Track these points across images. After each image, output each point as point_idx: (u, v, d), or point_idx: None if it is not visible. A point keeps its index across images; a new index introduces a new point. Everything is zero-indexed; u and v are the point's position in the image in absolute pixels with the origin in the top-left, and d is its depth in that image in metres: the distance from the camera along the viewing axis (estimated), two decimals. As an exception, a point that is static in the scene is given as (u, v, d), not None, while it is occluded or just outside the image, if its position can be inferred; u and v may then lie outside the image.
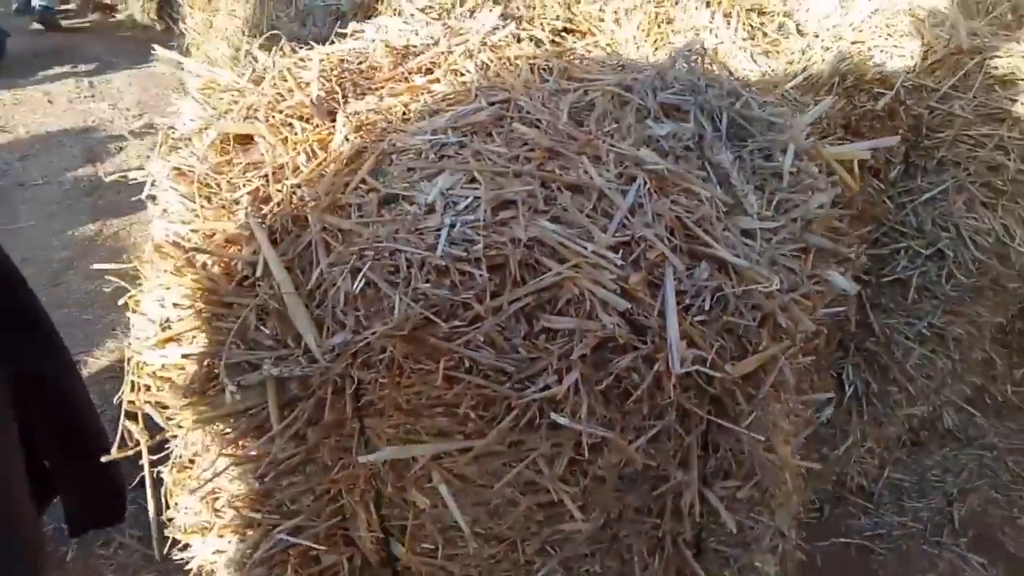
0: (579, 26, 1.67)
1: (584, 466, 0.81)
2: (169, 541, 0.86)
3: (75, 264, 2.93)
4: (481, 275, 0.70)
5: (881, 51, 1.66)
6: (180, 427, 0.74)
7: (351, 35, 1.03)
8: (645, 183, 0.76)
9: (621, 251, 0.73)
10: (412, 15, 1.03)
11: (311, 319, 0.71)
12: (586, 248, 0.71)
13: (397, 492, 0.84)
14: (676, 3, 1.74)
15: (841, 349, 1.84)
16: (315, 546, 0.79)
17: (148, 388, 0.74)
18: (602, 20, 1.68)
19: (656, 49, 1.63)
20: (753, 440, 0.80)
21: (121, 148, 3.99)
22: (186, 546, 0.91)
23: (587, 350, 0.72)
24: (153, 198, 0.84)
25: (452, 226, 0.72)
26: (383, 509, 0.85)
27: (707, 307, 0.74)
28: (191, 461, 0.85)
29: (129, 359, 0.74)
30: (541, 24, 1.51)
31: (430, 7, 1.28)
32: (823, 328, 0.84)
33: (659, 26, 1.69)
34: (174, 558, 0.88)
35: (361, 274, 0.70)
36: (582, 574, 0.92)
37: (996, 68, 1.51)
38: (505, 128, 0.82)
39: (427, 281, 0.70)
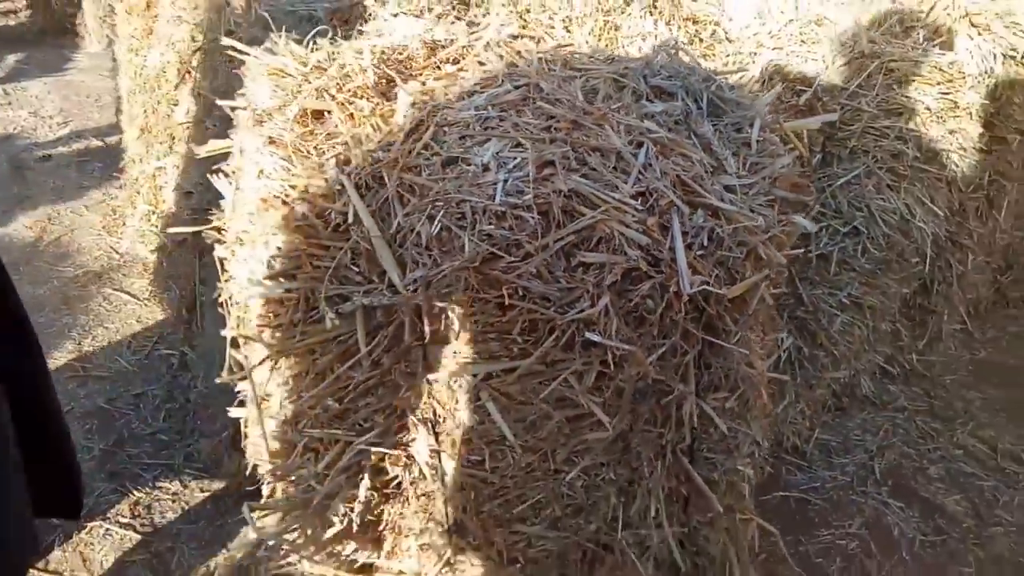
0: (532, 32, 1.86)
1: (607, 381, 1.00)
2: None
3: (20, 269, 2.93)
4: (532, 218, 0.88)
5: (797, 56, 1.94)
6: (279, 353, 0.88)
7: (375, 33, 1.19)
8: (651, 147, 0.96)
9: (639, 199, 0.92)
10: (429, 10, 1.20)
11: (394, 258, 0.87)
12: (612, 197, 0.90)
13: (451, 411, 1.00)
14: (622, 12, 1.96)
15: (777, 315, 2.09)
16: (388, 453, 0.94)
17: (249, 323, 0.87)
18: (552, 27, 1.88)
19: (610, 51, 1.85)
20: (739, 355, 1.01)
21: (49, 156, 3.94)
22: (253, 477, 1.03)
23: (615, 278, 0.90)
24: (217, 174, 0.98)
25: (506, 181, 0.89)
26: (438, 427, 1.01)
27: (705, 243, 0.94)
28: (268, 394, 0.99)
29: (231, 297, 0.88)
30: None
31: (403, 12, 1.44)
32: (786, 268, 1.06)
33: (608, 32, 1.91)
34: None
35: (436, 220, 0.87)
36: (600, 480, 1.10)
37: (893, 70, 1.81)
38: (531, 105, 1.01)
39: (489, 224, 0.88)
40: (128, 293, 2.91)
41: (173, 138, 2.76)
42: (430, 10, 1.57)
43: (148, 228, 2.97)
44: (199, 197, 2.28)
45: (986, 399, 2.54)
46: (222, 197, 0.99)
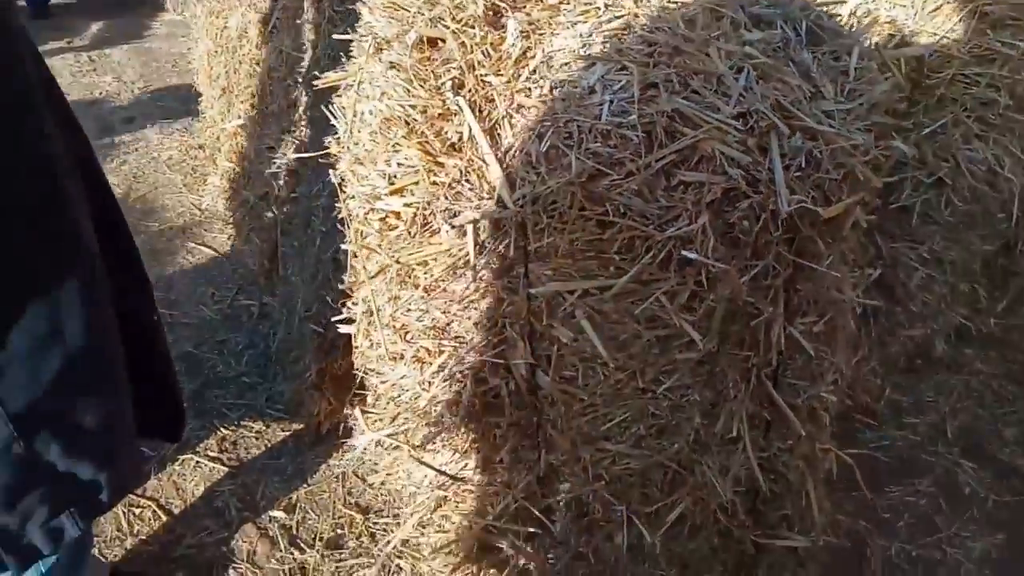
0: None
1: (699, 301, 1.04)
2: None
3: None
4: (636, 137, 0.92)
5: (887, 0, 1.89)
6: (398, 263, 0.94)
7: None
8: (751, 72, 0.99)
9: (739, 120, 0.95)
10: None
11: (504, 175, 0.92)
12: (714, 118, 0.94)
13: (547, 327, 1.05)
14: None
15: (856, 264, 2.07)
16: (492, 361, 1.00)
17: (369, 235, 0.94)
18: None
19: None
20: (830, 278, 1.03)
21: (132, 118, 4.12)
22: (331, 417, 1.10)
23: (715, 196, 0.94)
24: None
25: (611, 102, 0.93)
26: (535, 342, 1.07)
27: (803, 165, 0.96)
28: (379, 306, 1.06)
29: (351, 213, 0.95)
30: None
31: None
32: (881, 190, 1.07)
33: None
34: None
35: (545, 138, 0.91)
36: (685, 401, 1.14)
37: (988, 14, 1.76)
38: (633, 33, 1.04)
39: (595, 142, 0.92)
40: (210, 247, 3.06)
41: (255, 96, 2.86)
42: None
43: (229, 185, 3.10)
44: (281, 152, 2.38)
45: (1066, 364, 2.48)
46: (303, 151, 1.05)
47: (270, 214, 2.49)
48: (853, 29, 1.28)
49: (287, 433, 2.18)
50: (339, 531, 1.90)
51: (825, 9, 1.10)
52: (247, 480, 2.06)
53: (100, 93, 4.43)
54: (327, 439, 2.10)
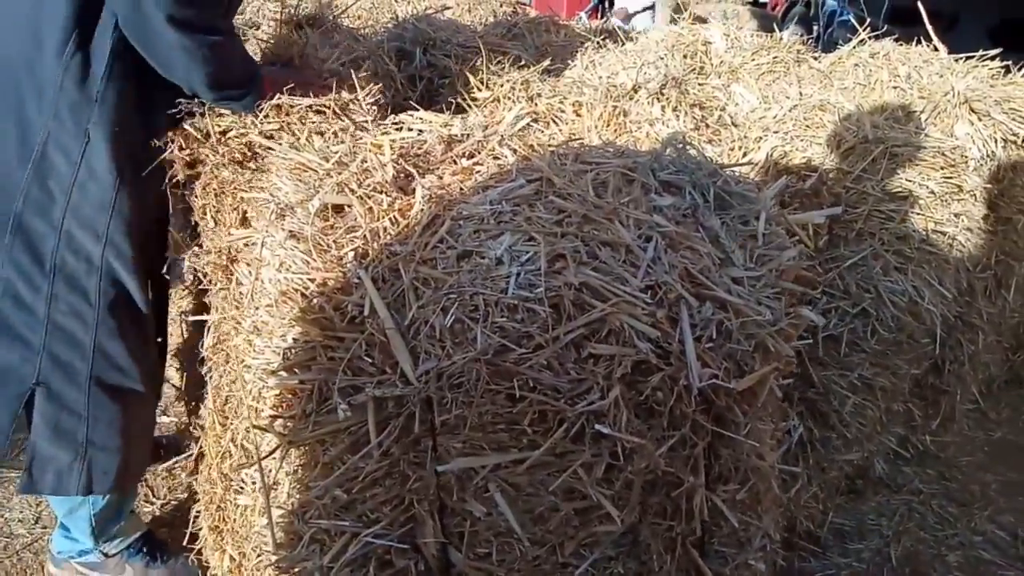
0: (542, 117, 1.91)
1: (616, 473, 0.99)
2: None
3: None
4: (543, 311, 0.90)
5: (802, 140, 1.99)
6: (291, 443, 0.88)
7: (394, 125, 1.24)
8: (660, 241, 0.98)
9: (648, 293, 0.94)
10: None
11: (408, 350, 0.88)
12: (622, 290, 0.92)
13: (459, 502, 0.99)
14: (631, 99, 2.02)
15: (786, 400, 2.08)
16: (396, 546, 0.93)
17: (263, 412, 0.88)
18: (563, 111, 1.93)
19: (618, 137, 1.89)
20: (749, 447, 1.00)
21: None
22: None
23: (626, 370, 0.91)
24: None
25: (518, 274, 0.91)
26: (446, 518, 1.00)
27: (713, 336, 0.95)
28: (276, 483, 0.99)
29: (245, 387, 0.89)
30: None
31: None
32: (794, 359, 1.07)
33: (617, 118, 1.96)
34: None
35: (450, 312, 0.88)
36: (608, 574, 1.08)
37: (897, 155, 1.85)
38: (544, 200, 1.04)
39: (502, 316, 0.89)
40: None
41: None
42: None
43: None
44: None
45: (1004, 481, 2.49)
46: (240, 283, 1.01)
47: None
48: (765, 176, 1.31)
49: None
50: None
51: (733, 171, 1.12)
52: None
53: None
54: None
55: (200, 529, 1.57)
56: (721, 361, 0.94)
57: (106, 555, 1.69)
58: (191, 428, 2.44)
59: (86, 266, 1.39)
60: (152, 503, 2.07)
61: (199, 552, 1.65)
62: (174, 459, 2.17)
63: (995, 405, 2.86)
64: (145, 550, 1.75)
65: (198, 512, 1.61)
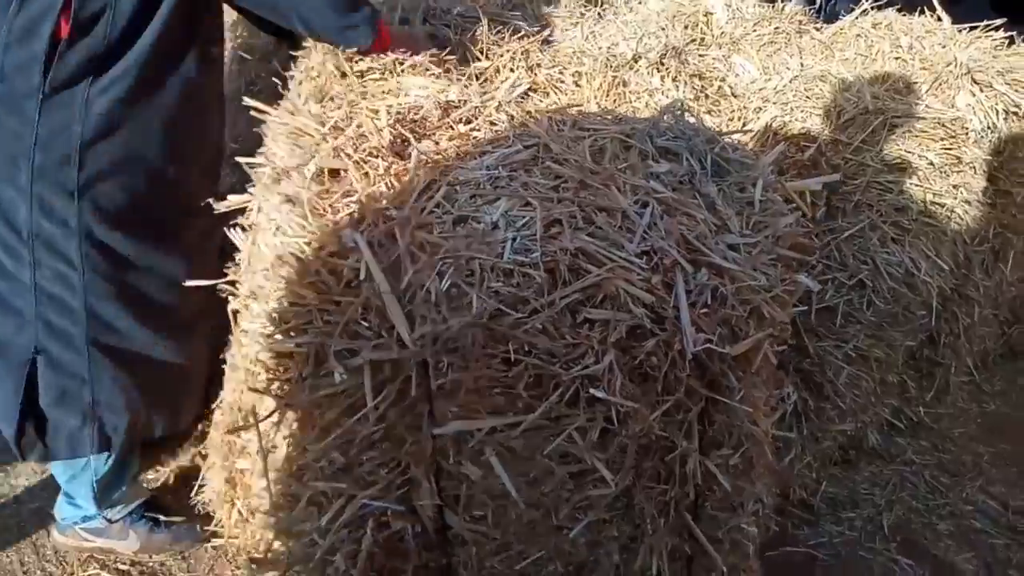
0: (541, 88, 1.89)
1: (611, 437, 1.00)
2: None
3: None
4: (539, 276, 0.90)
5: (802, 111, 1.97)
6: (287, 406, 0.89)
7: (387, 93, 1.23)
8: (656, 207, 0.98)
9: (644, 258, 0.94)
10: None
11: (404, 313, 0.88)
12: (618, 255, 0.92)
13: (455, 465, 1.00)
14: (630, 69, 2.00)
15: (781, 369, 2.09)
16: (393, 507, 0.94)
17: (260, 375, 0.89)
18: (562, 82, 1.91)
19: (617, 107, 1.88)
20: (743, 412, 1.01)
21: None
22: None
23: (620, 335, 0.92)
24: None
25: (514, 239, 0.91)
26: (442, 481, 1.01)
27: (708, 302, 0.95)
28: (274, 446, 1.00)
29: (242, 351, 0.89)
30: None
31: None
32: (790, 326, 1.07)
33: (616, 88, 1.95)
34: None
35: (446, 277, 0.88)
36: (602, 537, 1.10)
37: (897, 126, 1.84)
38: (540, 165, 1.04)
39: (497, 281, 0.89)
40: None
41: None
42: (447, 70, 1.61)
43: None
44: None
45: (996, 453, 2.51)
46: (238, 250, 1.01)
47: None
48: (763, 147, 1.31)
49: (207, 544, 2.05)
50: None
51: (731, 139, 1.11)
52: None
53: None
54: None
55: (207, 483, 1.59)
56: (716, 326, 0.95)
57: (109, 521, 1.71)
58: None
59: (63, 230, 1.33)
60: (157, 470, 2.08)
61: (206, 510, 1.66)
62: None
63: (989, 378, 2.87)
64: (148, 515, 1.76)
65: (210, 465, 1.62)
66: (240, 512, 1.57)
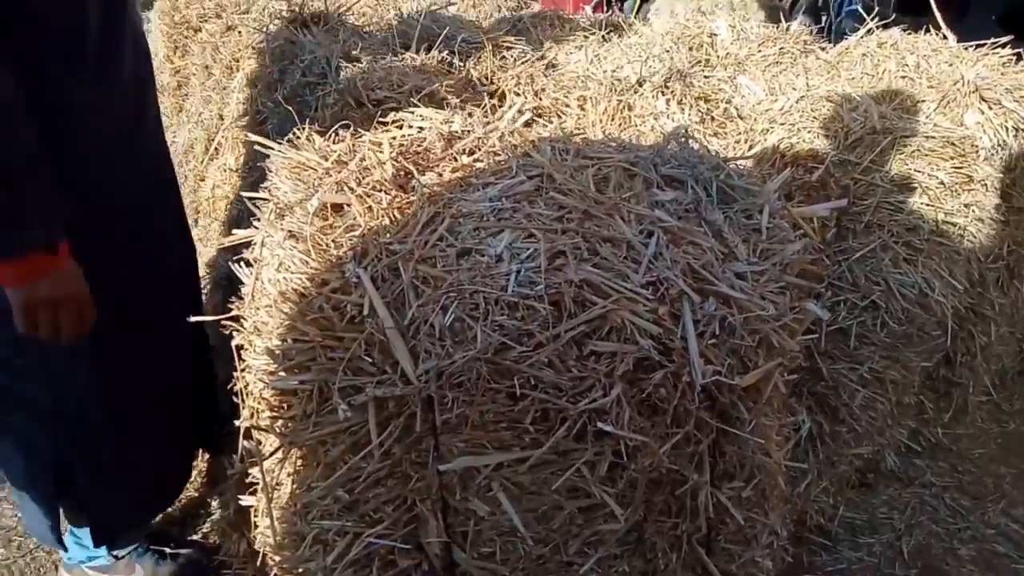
0: (546, 112, 1.90)
1: (620, 471, 0.99)
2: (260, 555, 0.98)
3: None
4: (544, 308, 0.89)
5: (808, 132, 1.96)
6: (291, 444, 0.88)
7: (392, 124, 1.23)
8: (661, 236, 0.97)
9: (650, 288, 0.93)
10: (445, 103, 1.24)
11: (408, 349, 0.88)
12: (623, 286, 0.91)
13: (462, 501, 0.99)
14: (635, 92, 2.00)
15: (795, 395, 2.06)
16: (399, 546, 0.93)
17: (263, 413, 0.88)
18: (567, 107, 1.92)
19: (622, 132, 1.88)
20: (754, 444, 0.99)
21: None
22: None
23: (627, 367, 0.90)
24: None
25: (518, 272, 0.91)
26: (449, 518, 1.00)
27: (716, 332, 0.94)
28: (278, 483, 0.99)
29: (247, 388, 0.89)
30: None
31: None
32: (801, 353, 1.05)
33: (621, 112, 1.95)
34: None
35: (450, 311, 0.88)
36: (613, 573, 1.07)
37: (906, 145, 1.82)
38: (544, 196, 1.03)
39: (502, 314, 0.89)
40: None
41: (198, 212, 2.83)
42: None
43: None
44: (222, 271, 2.33)
45: (1017, 473, 2.46)
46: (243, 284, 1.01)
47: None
48: (770, 169, 1.30)
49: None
50: None
51: (737, 164, 1.10)
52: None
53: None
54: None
55: (215, 514, 1.57)
56: (724, 357, 0.93)
57: (116, 557, 1.71)
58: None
59: None
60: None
61: (212, 540, 1.65)
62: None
63: (1008, 397, 2.82)
64: (154, 548, 1.76)
65: (218, 495, 1.61)
66: (249, 543, 1.56)
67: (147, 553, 1.74)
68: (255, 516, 1.01)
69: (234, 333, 0.98)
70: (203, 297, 2.14)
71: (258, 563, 1.66)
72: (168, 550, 1.77)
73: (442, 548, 1.00)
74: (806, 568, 2.10)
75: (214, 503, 1.90)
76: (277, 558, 0.96)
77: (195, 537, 1.96)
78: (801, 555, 2.12)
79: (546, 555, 1.03)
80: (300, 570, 0.95)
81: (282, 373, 0.86)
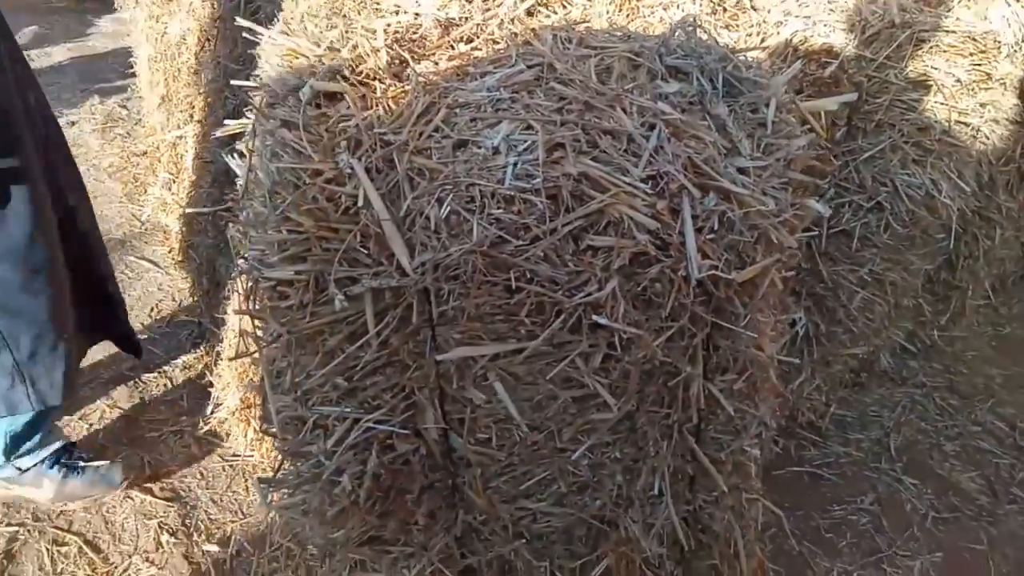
0: (551, 2, 1.80)
1: (614, 363, 1.00)
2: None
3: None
4: (541, 202, 0.88)
5: (825, 25, 1.88)
6: (289, 333, 0.89)
7: (390, 10, 1.18)
8: (663, 129, 0.95)
9: (649, 183, 0.92)
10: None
11: (403, 241, 0.87)
12: (622, 180, 0.90)
13: (459, 390, 1.01)
14: (644, -19, 1.90)
15: (794, 294, 2.07)
16: (398, 431, 0.96)
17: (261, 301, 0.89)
18: (572, -2, 1.82)
19: (630, 22, 1.79)
20: (748, 338, 1.01)
21: (73, 123, 3.96)
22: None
23: (624, 262, 0.90)
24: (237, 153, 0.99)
25: (515, 164, 0.89)
26: (446, 405, 1.03)
27: (715, 227, 0.93)
28: (279, 372, 1.01)
29: (243, 276, 0.89)
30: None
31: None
32: (799, 251, 1.05)
33: (629, 2, 1.86)
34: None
35: (445, 204, 0.87)
36: (605, 459, 1.11)
37: (924, 40, 1.75)
38: (544, 86, 1.00)
39: (498, 208, 0.88)
40: (150, 261, 2.95)
41: (193, 106, 2.77)
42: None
43: (169, 196, 3.00)
44: (219, 165, 2.30)
45: (1008, 375, 2.51)
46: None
47: (209, 232, 2.41)
48: (782, 63, 1.25)
49: (224, 462, 2.12)
50: (274, 564, 1.85)
51: (746, 56, 1.06)
52: (180, 511, 1.99)
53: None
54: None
55: (222, 403, 1.62)
56: (722, 252, 0.93)
57: (20, 469, 1.70)
58: (200, 320, 2.48)
59: None
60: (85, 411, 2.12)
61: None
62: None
63: (1007, 300, 2.84)
64: (63, 461, 1.75)
65: (224, 386, 1.65)
66: (255, 431, 1.62)
67: (55, 467, 1.73)
68: (255, 405, 1.04)
69: (229, 224, 0.98)
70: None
71: (263, 450, 1.73)
72: (81, 463, 1.76)
73: (439, 434, 1.04)
74: (795, 461, 2.18)
75: (221, 393, 1.93)
76: (279, 442, 0.99)
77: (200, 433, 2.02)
78: (791, 448, 2.20)
79: (540, 441, 1.06)
80: (301, 452, 0.98)
81: (278, 263, 0.86)
